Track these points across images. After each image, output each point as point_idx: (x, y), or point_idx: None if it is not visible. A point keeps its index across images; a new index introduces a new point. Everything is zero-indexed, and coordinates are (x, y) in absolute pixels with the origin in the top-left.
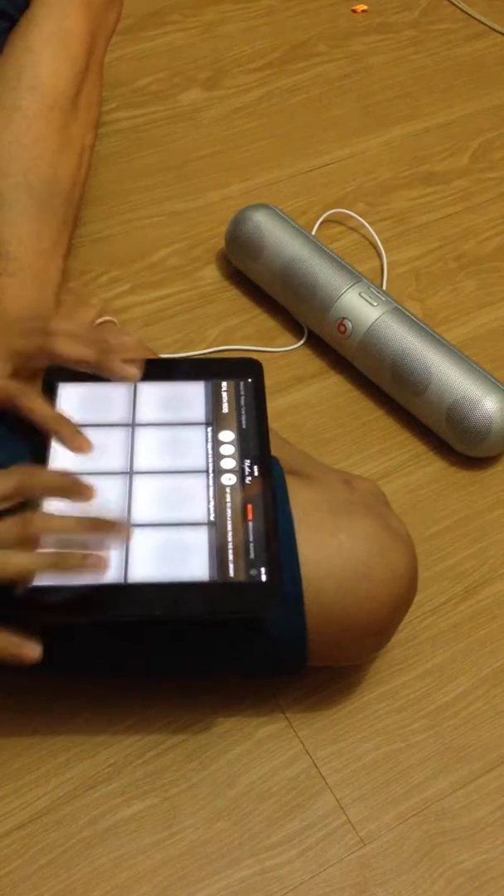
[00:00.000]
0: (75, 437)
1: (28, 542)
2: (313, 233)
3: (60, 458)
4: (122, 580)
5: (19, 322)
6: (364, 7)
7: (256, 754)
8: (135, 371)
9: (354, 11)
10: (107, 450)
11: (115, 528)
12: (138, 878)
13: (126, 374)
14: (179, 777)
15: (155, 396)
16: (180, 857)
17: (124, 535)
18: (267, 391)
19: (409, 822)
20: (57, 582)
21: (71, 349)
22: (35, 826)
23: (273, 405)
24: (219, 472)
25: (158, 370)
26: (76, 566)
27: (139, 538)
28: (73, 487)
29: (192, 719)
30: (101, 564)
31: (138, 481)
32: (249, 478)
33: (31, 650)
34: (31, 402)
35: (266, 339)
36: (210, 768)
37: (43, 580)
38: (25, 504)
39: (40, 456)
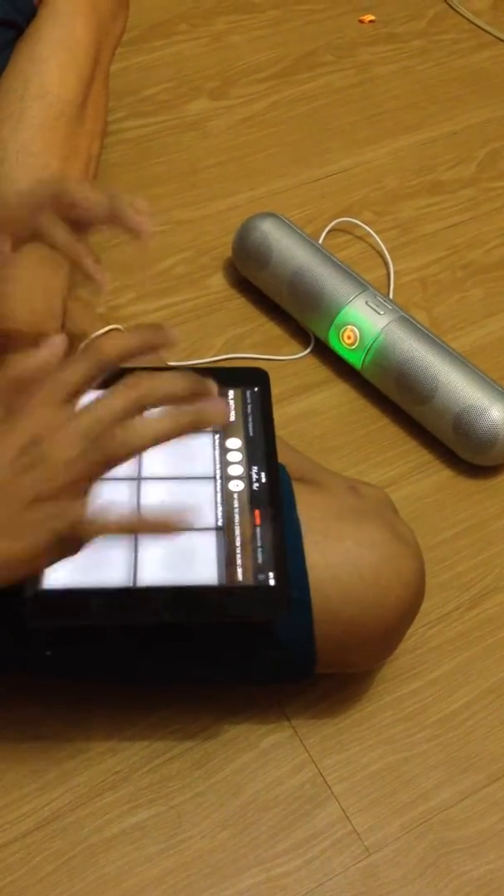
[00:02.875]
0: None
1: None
2: (320, 241)
3: None
4: (132, 584)
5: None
6: (371, 17)
7: (262, 763)
8: (148, 224)
9: (362, 21)
10: None
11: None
12: (144, 886)
13: (142, 226)
14: (185, 785)
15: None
16: (186, 866)
17: (212, 388)
18: (273, 399)
19: (415, 832)
20: (66, 584)
21: (86, 192)
22: (40, 834)
23: (280, 413)
24: (226, 478)
25: None
26: (202, 418)
27: (148, 543)
28: (193, 385)
29: (198, 727)
30: (224, 411)
31: (146, 487)
32: (257, 484)
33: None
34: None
35: (273, 348)
36: (216, 776)
37: (52, 582)
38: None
39: None
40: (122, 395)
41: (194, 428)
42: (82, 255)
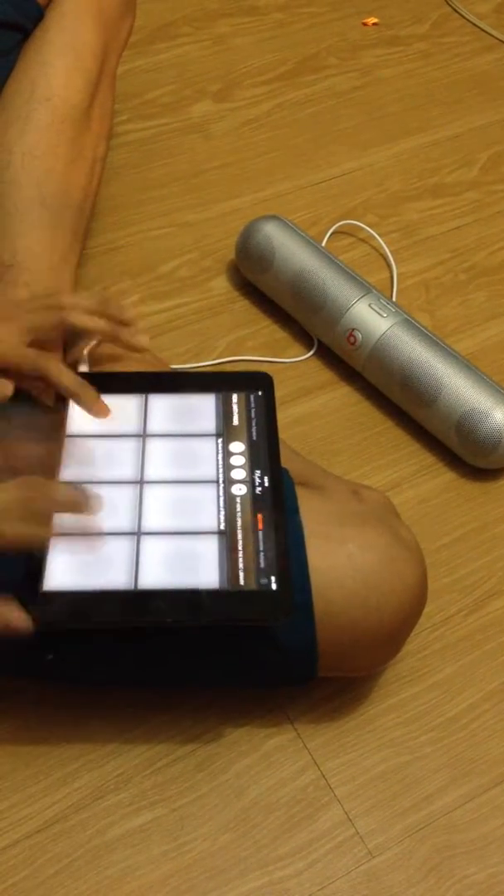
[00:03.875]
0: (95, 403)
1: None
2: (323, 244)
3: (72, 464)
4: (133, 587)
5: (32, 299)
6: (375, 20)
7: (265, 765)
8: (145, 340)
9: (365, 24)
10: (118, 459)
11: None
12: (146, 888)
13: (138, 343)
14: (187, 788)
15: (166, 408)
16: (188, 869)
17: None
18: (276, 402)
19: (418, 835)
20: (68, 587)
21: (85, 321)
22: (43, 836)
23: (282, 416)
24: (229, 482)
25: (169, 383)
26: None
27: (150, 546)
28: (82, 503)
29: (200, 730)
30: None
31: (149, 490)
32: (260, 488)
33: (20, 620)
34: (54, 366)
35: (276, 350)
36: (218, 779)
37: (53, 585)
38: None
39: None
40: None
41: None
42: (88, 398)
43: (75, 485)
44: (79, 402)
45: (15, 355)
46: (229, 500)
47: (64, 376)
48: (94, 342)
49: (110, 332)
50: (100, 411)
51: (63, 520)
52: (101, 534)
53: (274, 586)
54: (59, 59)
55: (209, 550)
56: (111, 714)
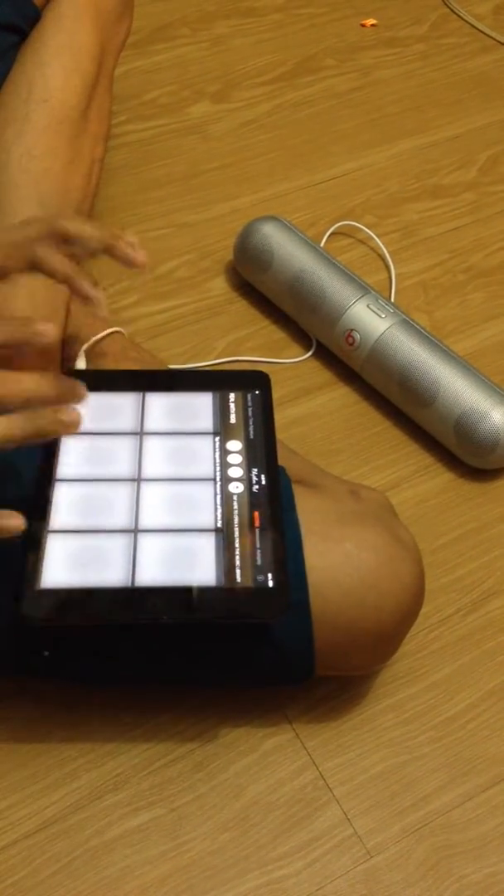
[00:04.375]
0: (91, 288)
1: None
2: (322, 245)
3: (69, 462)
4: (130, 584)
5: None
6: (373, 21)
7: (263, 765)
8: (143, 255)
9: (363, 25)
10: (115, 457)
11: (71, 386)
12: (145, 888)
13: (136, 257)
14: (186, 788)
15: (163, 407)
16: (187, 868)
17: (81, 393)
18: (275, 402)
19: (416, 835)
20: (64, 584)
21: (79, 225)
22: (42, 835)
23: (280, 416)
24: (226, 480)
25: (167, 381)
26: (50, 424)
27: (147, 543)
28: (63, 392)
29: (198, 730)
30: (76, 421)
31: (146, 488)
32: (257, 486)
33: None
34: (46, 251)
35: (274, 351)
36: (217, 779)
37: (50, 582)
38: None
39: (47, 460)
40: None
41: (39, 435)
42: (80, 279)
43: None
44: (72, 286)
45: (6, 243)
46: (226, 498)
47: (58, 259)
48: (92, 340)
49: (107, 241)
50: (99, 299)
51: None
52: (98, 531)
53: (270, 584)
54: (57, 60)
55: (206, 548)
56: (110, 714)
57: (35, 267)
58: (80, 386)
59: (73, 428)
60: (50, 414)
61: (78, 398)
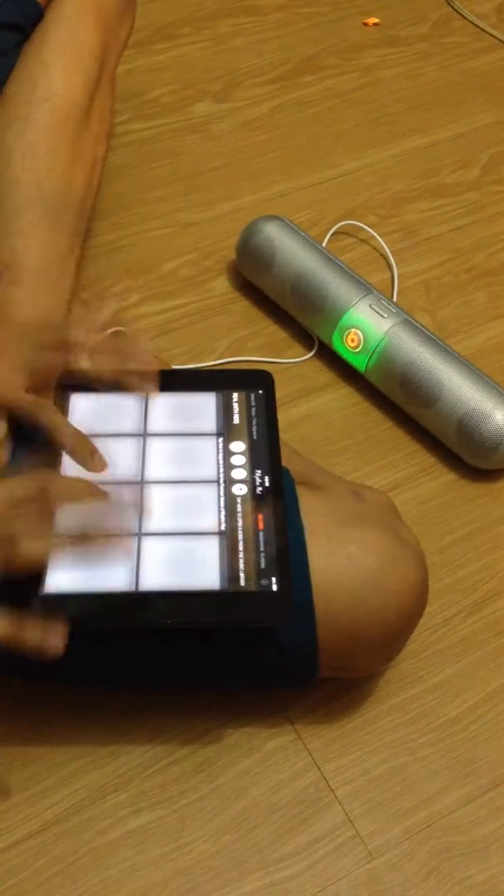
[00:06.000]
0: (92, 457)
1: (46, 515)
2: (324, 244)
3: (73, 464)
4: (134, 588)
5: (33, 333)
6: (375, 20)
7: (265, 766)
8: (153, 387)
9: (366, 24)
10: (118, 459)
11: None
12: (146, 889)
13: (143, 390)
14: (188, 789)
15: (166, 407)
16: (188, 870)
17: (137, 502)
18: (277, 403)
19: (418, 837)
20: (68, 589)
21: (91, 367)
22: (44, 836)
23: (283, 416)
24: (230, 482)
25: (169, 381)
26: (97, 549)
27: (150, 547)
28: (91, 493)
29: (200, 731)
30: (122, 547)
31: (149, 491)
32: (260, 488)
33: (56, 641)
34: (49, 416)
35: (276, 351)
36: (218, 780)
37: (54, 587)
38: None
39: (52, 462)
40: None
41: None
42: (85, 452)
43: (86, 479)
44: (74, 457)
45: (12, 398)
46: (230, 500)
47: (62, 429)
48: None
49: (115, 379)
50: (95, 466)
51: (70, 514)
52: (104, 535)
53: (274, 587)
54: (59, 59)
55: (210, 551)
56: (112, 715)
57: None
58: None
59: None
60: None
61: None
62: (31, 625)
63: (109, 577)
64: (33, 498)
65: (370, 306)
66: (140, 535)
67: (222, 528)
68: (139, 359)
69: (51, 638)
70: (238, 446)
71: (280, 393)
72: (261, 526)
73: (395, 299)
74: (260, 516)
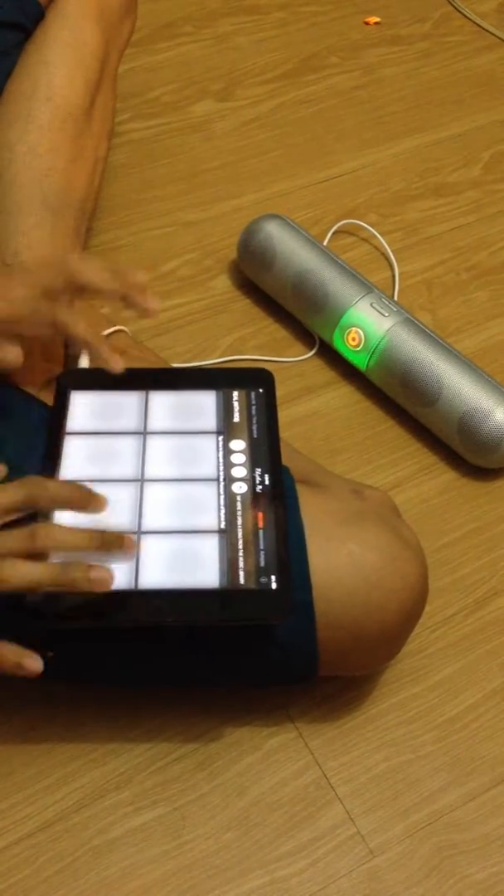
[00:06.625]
0: (90, 501)
1: (35, 555)
2: (325, 243)
3: (72, 463)
4: (133, 586)
5: (40, 263)
6: (376, 19)
7: (266, 765)
8: (156, 303)
9: (367, 23)
10: (118, 457)
11: (122, 544)
12: (147, 888)
13: (150, 306)
14: (189, 787)
15: (166, 405)
16: (189, 868)
17: (131, 551)
18: (278, 401)
19: (419, 835)
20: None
21: (95, 278)
22: (44, 835)
23: (284, 415)
24: (230, 480)
25: (170, 379)
26: (80, 580)
27: (150, 545)
28: (83, 499)
29: (201, 729)
30: (105, 581)
31: (149, 489)
32: (260, 486)
33: (33, 662)
34: (70, 315)
35: (277, 349)
36: (219, 778)
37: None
38: (36, 515)
39: (51, 461)
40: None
41: (70, 587)
42: (100, 345)
43: (77, 483)
44: (91, 353)
45: (28, 308)
46: (230, 498)
47: (81, 326)
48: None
49: (121, 292)
50: (97, 506)
51: (65, 518)
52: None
53: (274, 586)
54: (61, 58)
55: (209, 549)
56: (112, 713)
57: (57, 331)
58: (102, 497)
59: (102, 586)
60: (82, 569)
61: (100, 506)
62: (8, 647)
63: None
64: (20, 507)
65: (371, 305)
66: (140, 533)
67: (222, 526)
68: (131, 276)
69: (27, 661)
70: (238, 445)
71: (280, 391)
72: (261, 524)
73: (395, 298)
74: (260, 515)
